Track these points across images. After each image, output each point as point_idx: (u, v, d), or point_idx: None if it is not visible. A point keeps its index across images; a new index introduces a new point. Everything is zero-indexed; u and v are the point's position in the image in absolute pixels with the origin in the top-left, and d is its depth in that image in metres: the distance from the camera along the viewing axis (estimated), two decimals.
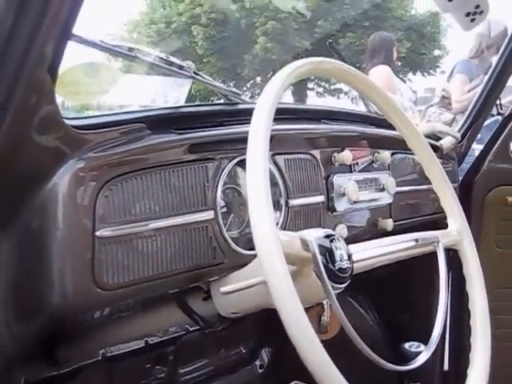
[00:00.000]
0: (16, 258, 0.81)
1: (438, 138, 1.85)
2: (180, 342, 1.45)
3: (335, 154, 1.28)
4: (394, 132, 1.55)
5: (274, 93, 0.81)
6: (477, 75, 4.26)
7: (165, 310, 1.12)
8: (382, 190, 1.43)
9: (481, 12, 1.44)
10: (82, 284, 0.81)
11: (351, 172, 1.34)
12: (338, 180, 1.27)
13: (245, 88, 23.37)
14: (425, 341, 1.01)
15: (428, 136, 1.69)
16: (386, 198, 1.44)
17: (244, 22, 17.55)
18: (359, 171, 1.37)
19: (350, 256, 0.85)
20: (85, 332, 1.10)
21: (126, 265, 0.85)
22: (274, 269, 0.67)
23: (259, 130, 0.76)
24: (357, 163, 1.36)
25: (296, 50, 17.99)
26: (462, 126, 2.00)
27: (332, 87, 23.87)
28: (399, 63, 20.82)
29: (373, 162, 1.42)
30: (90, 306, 0.87)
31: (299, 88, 22.21)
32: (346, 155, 1.28)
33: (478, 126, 2.02)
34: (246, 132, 1.07)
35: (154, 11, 20.21)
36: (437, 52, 20.23)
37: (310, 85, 23.44)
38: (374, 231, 1.45)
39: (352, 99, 23.73)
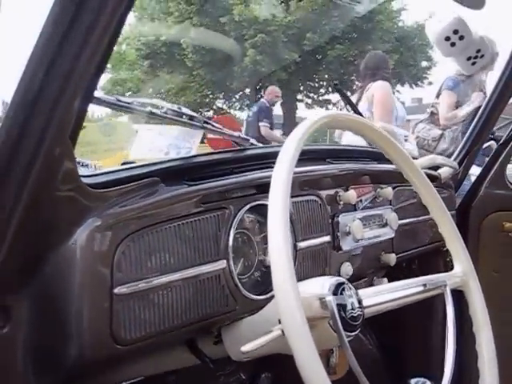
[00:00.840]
0: (36, 314, 0.81)
1: (437, 167, 1.88)
2: (180, 370, 1.45)
3: (340, 194, 1.30)
4: (394, 166, 1.58)
5: (292, 150, 0.83)
6: (465, 92, 4.32)
7: (175, 353, 1.13)
8: (385, 225, 1.45)
9: (481, 56, 1.48)
10: (101, 340, 0.82)
11: (355, 210, 1.35)
12: (344, 219, 1.29)
13: (234, 99, 23.49)
14: (429, 377, 1.03)
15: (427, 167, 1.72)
16: (388, 233, 1.46)
17: (233, 35, 17.62)
18: (363, 208, 1.39)
19: (360, 302, 0.88)
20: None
21: (143, 319, 0.86)
22: (295, 331, 0.70)
23: (279, 194, 0.79)
24: (360, 200, 1.38)
25: (285, 62, 18.11)
26: (459, 153, 2.03)
27: (321, 98, 24.02)
28: None
29: (376, 197, 1.44)
30: (108, 362, 0.87)
31: (288, 99, 22.32)
32: (351, 194, 1.30)
33: (475, 153, 2.05)
34: (257, 179, 1.09)
35: (143, 23, 20.27)
36: (424, 63, 20.45)
37: (299, 96, 23.57)
38: (377, 265, 1.47)
39: (340, 110, 23.98)
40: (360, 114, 1.67)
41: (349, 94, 19.50)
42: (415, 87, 20.51)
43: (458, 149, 2.03)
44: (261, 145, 1.29)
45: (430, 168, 1.80)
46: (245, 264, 1.07)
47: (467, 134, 2.03)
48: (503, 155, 2.10)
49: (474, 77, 4.38)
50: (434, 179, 1.82)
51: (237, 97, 23.40)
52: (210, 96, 22.59)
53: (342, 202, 1.30)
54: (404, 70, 18.98)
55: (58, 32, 0.67)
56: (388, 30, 18.24)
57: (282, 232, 0.75)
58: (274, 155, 1.20)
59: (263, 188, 1.08)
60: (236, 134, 1.23)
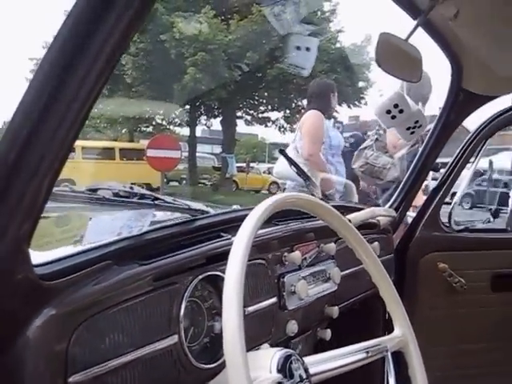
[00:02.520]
0: None
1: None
2: None
3: (286, 254, 1.35)
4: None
5: (248, 233, 0.87)
6: None
7: None
8: (328, 279, 1.50)
9: (419, 126, 1.57)
10: None
11: (300, 269, 1.40)
12: (289, 279, 1.34)
13: (173, 115, 23.39)
14: None
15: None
16: (331, 287, 1.52)
17: (174, 53, 17.58)
18: (308, 265, 1.44)
19: (307, 371, 0.93)
20: None
21: None
22: None
23: (235, 277, 0.82)
24: (305, 258, 1.42)
25: (225, 80, 18.20)
26: (395, 199, 2.13)
27: (260, 115, 24.24)
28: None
29: (319, 252, 1.49)
30: None
31: (228, 116, 22.42)
32: (296, 255, 1.35)
33: (411, 198, 2.15)
34: (207, 251, 1.12)
35: None
36: (361, 84, 20.97)
37: (239, 113, 23.71)
38: (321, 318, 1.52)
39: (280, 128, 24.27)
40: (304, 174, 1.72)
41: (288, 112, 19.61)
42: (353, 107, 20.99)
43: (395, 195, 2.12)
44: (211, 211, 1.32)
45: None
46: (194, 331, 1.09)
47: (403, 182, 2.12)
48: (437, 199, 2.21)
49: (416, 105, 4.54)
50: (373, 226, 1.90)
51: (177, 113, 23.34)
52: (149, 113, 22.43)
53: (287, 263, 1.35)
54: (342, 90, 19.38)
55: None
56: (326, 51, 18.58)
57: (236, 324, 0.79)
58: (225, 222, 1.24)
59: (213, 259, 1.11)
60: (187, 206, 1.25)
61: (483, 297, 2.29)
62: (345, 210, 1.80)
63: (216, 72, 17.97)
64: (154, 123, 24.14)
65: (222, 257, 1.04)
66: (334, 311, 1.52)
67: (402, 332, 1.19)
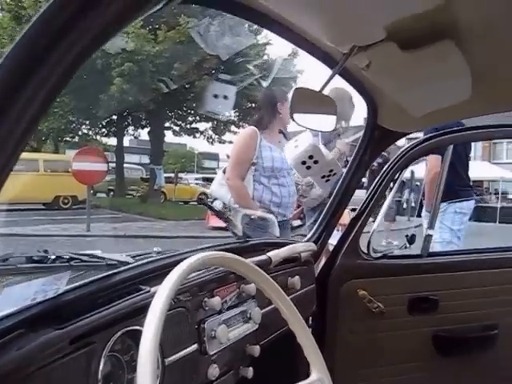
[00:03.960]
0: None
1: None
2: None
3: (205, 299, 1.37)
4: (257, 258, 1.68)
5: (167, 293, 0.88)
6: (330, 139, 4.56)
7: None
8: (249, 319, 1.53)
9: (334, 174, 1.64)
10: None
11: (220, 313, 1.42)
12: (209, 325, 1.36)
13: (100, 125, 22.97)
14: None
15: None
16: (252, 327, 1.55)
17: (100, 63, 17.28)
18: (228, 308, 1.46)
19: None
20: None
21: None
22: None
23: (151, 335, 0.84)
24: (225, 301, 1.45)
25: (153, 92, 18.05)
26: (315, 232, 2.19)
27: (188, 126, 24.18)
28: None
29: (240, 293, 1.52)
30: None
31: (156, 127, 22.22)
32: (216, 301, 1.37)
33: (330, 230, 2.22)
34: (126, 307, 1.12)
35: (2, 45, 19.27)
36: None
37: (167, 123, 23.57)
38: (242, 358, 1.55)
39: (208, 138, 24.28)
40: (225, 219, 1.75)
41: (216, 122, 19.56)
42: None
43: (314, 228, 2.19)
44: (130, 261, 1.32)
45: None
46: None
47: (322, 215, 2.19)
48: (356, 228, 2.29)
49: (336, 126, 4.65)
50: (295, 260, 1.95)
51: (104, 123, 22.95)
52: (75, 123, 21.95)
53: (207, 308, 1.37)
54: None
55: None
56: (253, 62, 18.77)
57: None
58: (144, 274, 1.24)
59: (133, 313, 1.12)
60: (104, 261, 1.25)
61: (401, 320, 2.39)
62: (266, 246, 1.84)
63: (143, 83, 17.81)
64: (80, 133, 23.63)
65: (141, 310, 1.04)
66: (256, 350, 1.55)
67: (318, 377, 1.23)
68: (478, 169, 14.39)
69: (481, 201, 20.31)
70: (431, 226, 2.53)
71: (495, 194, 24.22)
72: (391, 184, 2.41)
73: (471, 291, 2.46)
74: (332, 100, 1.47)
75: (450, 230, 4.22)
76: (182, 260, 1.08)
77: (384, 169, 2.31)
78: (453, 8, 1.25)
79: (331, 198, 2.17)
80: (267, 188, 3.47)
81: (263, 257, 1.73)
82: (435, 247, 4.10)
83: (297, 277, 1.88)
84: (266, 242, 1.90)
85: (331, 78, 1.44)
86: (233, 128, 23.30)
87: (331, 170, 1.65)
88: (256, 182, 3.49)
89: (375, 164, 4.50)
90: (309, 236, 2.19)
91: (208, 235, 10.83)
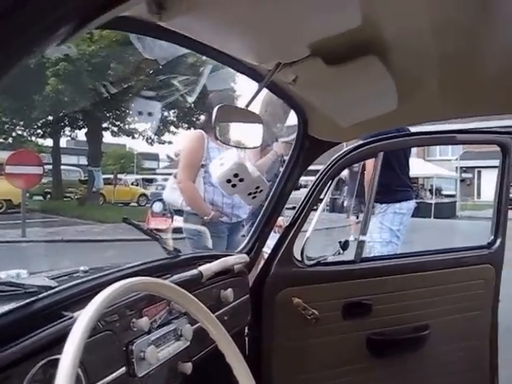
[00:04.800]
0: None
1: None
2: None
3: (134, 320, 1.34)
4: (188, 273, 1.67)
5: (86, 323, 0.86)
6: (266, 141, 4.58)
7: None
8: (180, 336, 1.52)
9: (261, 191, 1.64)
10: None
11: (150, 332, 1.40)
12: (138, 346, 1.33)
13: (36, 126, 22.34)
14: None
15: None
16: (183, 344, 1.53)
17: (34, 62, 16.77)
18: (158, 326, 1.44)
19: None
20: None
21: None
22: None
23: (67, 365, 0.82)
24: (155, 320, 1.43)
25: (90, 92, 17.70)
26: (248, 243, 2.19)
27: (127, 127, 23.83)
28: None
29: (170, 311, 1.51)
30: None
31: (93, 127, 21.78)
32: (144, 322, 1.35)
33: (263, 241, 2.23)
34: (46, 336, 1.09)
35: None
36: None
37: (105, 124, 23.15)
38: (174, 377, 1.53)
39: (147, 139, 23.99)
40: (153, 236, 1.72)
41: (153, 123, 19.26)
42: None
43: (247, 239, 2.19)
44: (53, 285, 1.28)
45: None
46: None
47: (255, 226, 2.20)
48: (290, 236, 2.31)
49: (273, 129, 4.69)
50: (227, 272, 1.95)
51: (39, 124, 22.33)
52: (9, 124, 21.27)
53: (135, 329, 1.34)
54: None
55: None
56: (193, 65, 18.66)
57: None
58: (66, 298, 1.21)
59: (53, 342, 1.09)
60: (22, 289, 1.20)
61: (336, 325, 2.42)
62: (198, 260, 1.83)
63: (80, 83, 17.41)
64: (13, 135, 22.90)
65: (63, 338, 1.01)
66: (187, 367, 1.53)
67: None
68: (413, 166, 14.76)
69: (416, 197, 20.83)
70: (364, 231, 2.57)
71: (430, 190, 24.96)
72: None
73: (402, 294, 2.52)
74: (258, 116, 1.47)
75: (390, 230, 4.34)
76: (108, 282, 1.06)
77: (316, 178, 2.34)
78: (375, 26, 1.28)
79: (263, 208, 2.18)
80: (218, 189, 3.45)
81: (194, 271, 1.72)
82: (376, 247, 4.22)
83: (230, 289, 1.88)
84: (197, 255, 1.89)
85: (257, 93, 1.44)
86: (172, 128, 23.13)
87: (257, 187, 1.65)
88: (206, 183, 3.56)
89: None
90: (241, 246, 2.19)
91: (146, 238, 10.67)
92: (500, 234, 2.69)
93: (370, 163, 4.09)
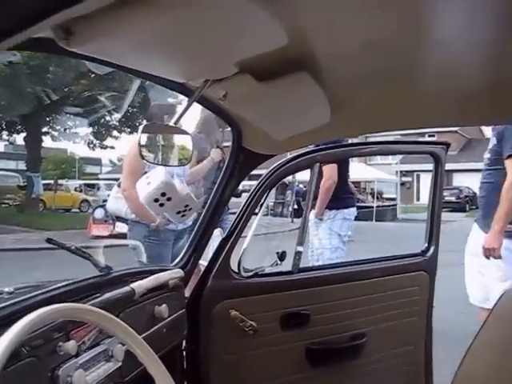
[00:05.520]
0: None
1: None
2: None
3: (60, 344, 1.29)
4: (120, 291, 1.63)
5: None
6: (203, 148, 4.58)
7: None
8: (111, 357, 1.47)
9: (190, 209, 1.62)
10: None
11: (78, 355, 1.35)
12: (64, 371, 1.28)
13: None
14: None
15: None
16: (115, 365, 1.49)
17: None
18: (87, 348, 1.40)
19: None
20: None
21: None
22: None
23: None
24: (83, 342, 1.38)
25: (29, 95, 17.25)
26: (183, 257, 2.16)
27: (68, 131, 23.36)
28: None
29: (101, 331, 1.46)
30: None
31: (32, 132, 21.22)
32: (71, 345, 1.30)
33: (199, 254, 2.21)
34: None
35: None
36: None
37: (45, 128, 22.60)
38: None
39: (88, 143, 23.56)
40: (83, 255, 1.68)
41: (97, 128, 19.06)
42: None
43: (182, 253, 2.16)
44: None
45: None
46: None
47: (190, 240, 2.17)
48: (227, 248, 2.29)
49: (211, 135, 4.69)
50: (162, 287, 1.92)
51: None
52: None
53: (62, 353, 1.30)
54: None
55: None
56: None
57: None
58: None
59: None
60: None
61: (274, 336, 2.42)
62: (131, 277, 1.79)
63: (18, 86, 16.92)
64: None
65: None
66: None
67: None
68: (354, 170, 15.06)
69: (358, 201, 21.25)
70: (301, 242, 2.58)
71: (371, 193, 25.48)
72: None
73: (340, 303, 2.54)
74: (187, 132, 1.45)
75: (339, 236, 4.44)
76: (32, 306, 1.02)
77: (252, 189, 2.33)
78: (304, 44, 1.28)
79: (198, 221, 2.16)
80: None
81: (126, 289, 1.68)
82: (325, 253, 4.29)
83: (164, 305, 1.85)
84: (130, 272, 1.85)
85: (186, 110, 1.42)
86: (115, 133, 22.79)
87: (187, 205, 1.63)
88: None
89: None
90: (177, 260, 2.16)
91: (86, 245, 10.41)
92: (433, 241, 2.75)
93: (329, 169, 4.20)
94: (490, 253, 3.46)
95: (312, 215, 4.27)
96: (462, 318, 4.61)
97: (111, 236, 10.57)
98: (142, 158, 1.31)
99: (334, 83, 1.57)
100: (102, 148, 23.87)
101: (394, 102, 1.85)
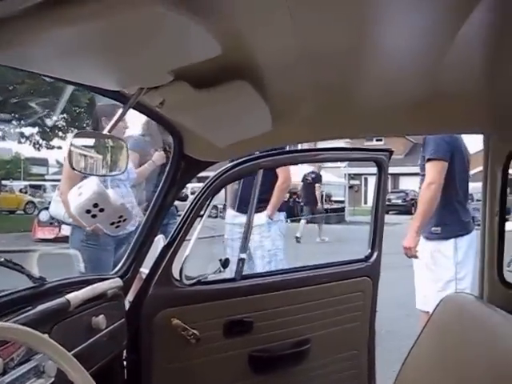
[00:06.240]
0: None
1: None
2: None
3: None
4: (54, 303, 1.58)
5: None
6: (147, 151, 4.54)
7: None
8: (42, 373, 1.42)
9: (124, 220, 1.58)
10: None
11: (6, 373, 1.30)
12: None
13: None
14: None
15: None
16: (47, 381, 1.43)
17: None
18: (15, 365, 1.34)
19: None
20: None
21: None
22: None
23: None
24: (12, 359, 1.33)
25: None
26: (122, 266, 2.12)
27: (12, 131, 22.76)
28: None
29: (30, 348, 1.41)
30: None
31: None
32: None
33: (140, 263, 2.17)
34: None
35: None
36: None
37: None
38: None
39: (34, 144, 22.98)
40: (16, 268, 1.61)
41: (43, 128, 18.66)
42: None
43: (122, 262, 2.12)
44: None
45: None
46: None
47: (130, 248, 2.13)
48: (168, 255, 2.26)
49: (155, 137, 4.64)
50: (101, 297, 1.87)
51: None
52: None
53: None
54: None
55: None
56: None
57: None
58: None
59: None
60: None
61: (217, 344, 2.40)
62: (66, 287, 1.74)
63: None
64: None
65: None
66: None
67: None
68: (304, 172, 15.22)
69: None
70: (244, 249, 2.56)
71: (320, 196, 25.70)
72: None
73: (284, 310, 2.54)
74: (123, 141, 1.41)
75: (284, 237, 4.57)
76: None
77: (195, 195, 2.30)
78: (242, 53, 1.27)
79: (139, 229, 2.12)
80: None
81: (61, 300, 1.63)
82: (278, 254, 4.38)
83: (101, 315, 1.80)
84: (66, 282, 1.79)
85: (120, 118, 1.38)
86: (62, 133, 22.30)
87: (121, 216, 1.60)
88: None
89: (309, 178, 4.75)
90: (116, 269, 2.11)
91: (28, 248, 10.14)
92: (376, 247, 2.78)
93: (284, 171, 4.29)
94: (407, 252, 3.56)
95: (264, 217, 4.30)
96: (408, 320, 4.72)
97: (57, 239, 10.35)
98: (73, 168, 1.26)
99: (274, 92, 1.57)
100: (48, 148, 23.31)
101: (336, 111, 1.87)
